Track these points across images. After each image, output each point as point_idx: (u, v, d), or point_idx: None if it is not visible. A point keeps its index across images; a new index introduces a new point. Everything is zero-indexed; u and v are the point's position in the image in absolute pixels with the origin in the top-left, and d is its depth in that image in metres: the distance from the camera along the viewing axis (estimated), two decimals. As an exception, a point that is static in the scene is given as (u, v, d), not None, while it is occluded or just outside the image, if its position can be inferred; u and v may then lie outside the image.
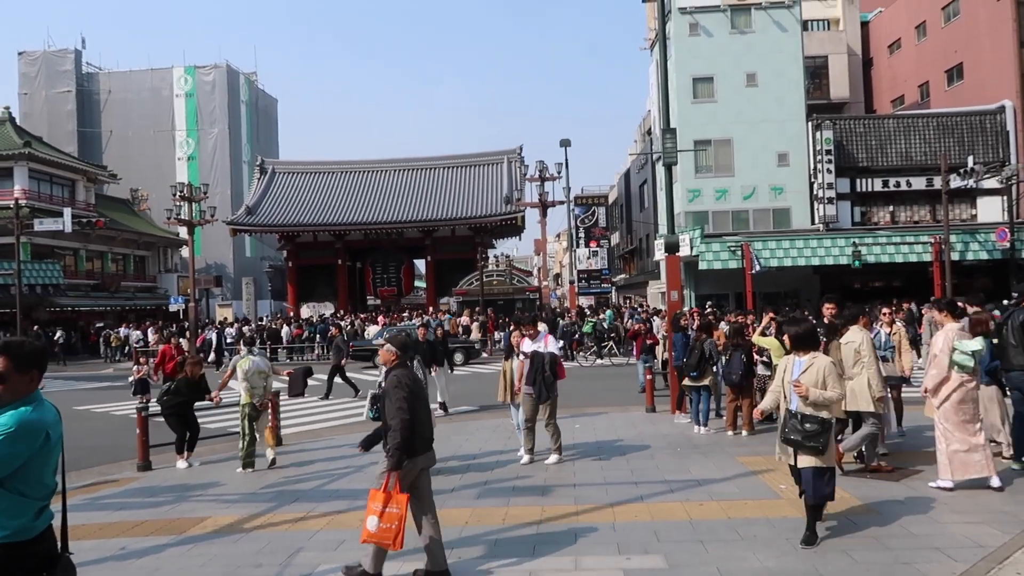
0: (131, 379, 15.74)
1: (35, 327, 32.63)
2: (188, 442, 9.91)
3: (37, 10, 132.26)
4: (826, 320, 8.66)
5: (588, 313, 32.08)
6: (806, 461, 5.55)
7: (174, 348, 14.52)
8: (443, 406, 13.51)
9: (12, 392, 3.07)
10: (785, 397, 5.88)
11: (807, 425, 5.50)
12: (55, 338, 33.19)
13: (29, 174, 39.96)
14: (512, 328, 9.76)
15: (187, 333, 30.15)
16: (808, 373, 5.66)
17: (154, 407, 10.25)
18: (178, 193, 30.88)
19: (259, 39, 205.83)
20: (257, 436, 9.44)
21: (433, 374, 13.10)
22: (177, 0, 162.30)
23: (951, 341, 7.03)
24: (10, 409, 3.03)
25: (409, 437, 5.03)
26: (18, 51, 59.60)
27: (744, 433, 10.23)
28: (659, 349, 15.08)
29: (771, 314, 10.70)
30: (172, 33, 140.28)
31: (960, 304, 8.69)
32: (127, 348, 32.78)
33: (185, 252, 44.32)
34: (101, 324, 37.63)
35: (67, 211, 31.18)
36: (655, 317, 25.00)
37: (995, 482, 6.89)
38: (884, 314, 9.58)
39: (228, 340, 29.31)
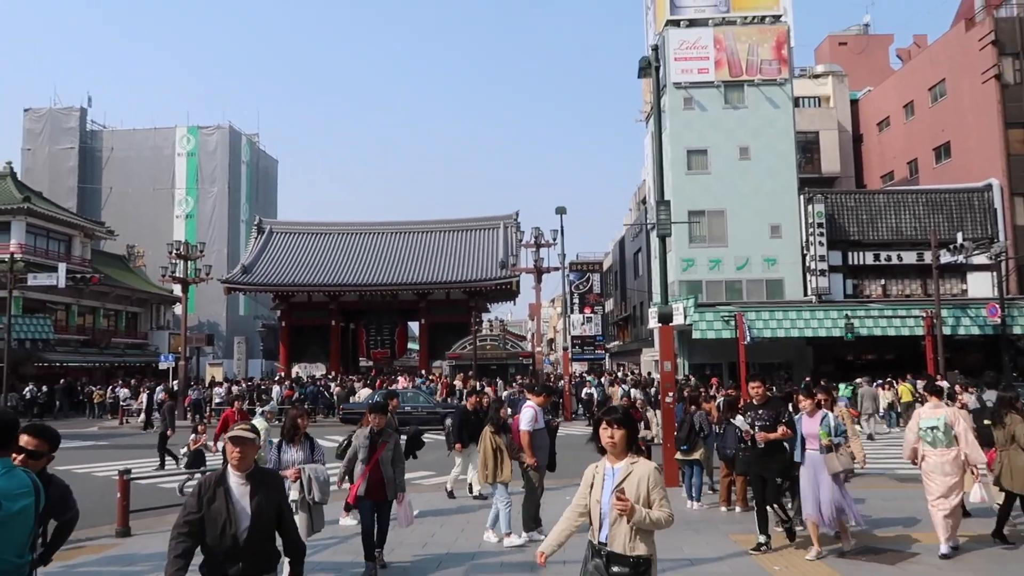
0: (183, 451, 13.76)
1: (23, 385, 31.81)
2: None
3: (46, 68, 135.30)
4: (756, 401, 8.21)
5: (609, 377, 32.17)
6: None
7: (237, 413, 12.56)
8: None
9: None
10: (591, 522, 3.92)
11: (614, 568, 3.70)
12: (23, 394, 31.57)
13: (27, 228, 40.20)
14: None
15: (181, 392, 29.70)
16: (628, 483, 3.78)
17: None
18: (174, 251, 30.97)
19: (262, 101, 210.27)
20: None
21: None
22: (184, 62, 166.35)
23: (919, 416, 7.77)
24: None
25: None
26: (24, 107, 60.74)
27: (738, 509, 10.06)
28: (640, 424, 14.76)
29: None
30: (177, 93, 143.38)
31: (939, 383, 9.11)
32: (118, 406, 32.21)
33: (178, 309, 44.22)
34: (86, 379, 37.06)
35: (61, 266, 31.21)
36: (624, 384, 24.71)
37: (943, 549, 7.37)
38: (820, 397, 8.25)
39: (217, 400, 28.95)
